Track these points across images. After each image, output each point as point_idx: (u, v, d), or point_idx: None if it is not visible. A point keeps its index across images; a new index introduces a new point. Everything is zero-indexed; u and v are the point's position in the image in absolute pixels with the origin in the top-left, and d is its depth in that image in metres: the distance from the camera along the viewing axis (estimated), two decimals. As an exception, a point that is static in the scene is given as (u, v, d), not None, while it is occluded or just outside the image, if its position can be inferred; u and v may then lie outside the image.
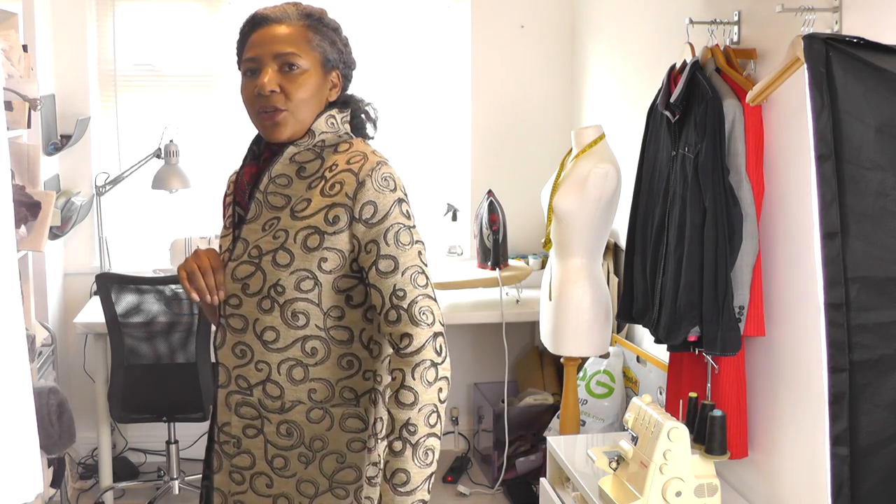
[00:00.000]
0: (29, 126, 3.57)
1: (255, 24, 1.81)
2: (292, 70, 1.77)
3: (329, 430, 1.79)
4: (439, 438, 1.70)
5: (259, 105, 1.77)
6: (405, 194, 1.77)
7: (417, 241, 1.75)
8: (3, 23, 3.55)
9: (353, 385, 1.80)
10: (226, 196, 1.96)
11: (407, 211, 1.75)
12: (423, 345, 1.69)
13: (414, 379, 1.67)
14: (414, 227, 1.76)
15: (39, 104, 3.58)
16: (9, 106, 3.39)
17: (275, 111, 1.76)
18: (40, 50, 3.92)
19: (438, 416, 1.69)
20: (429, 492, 1.69)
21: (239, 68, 1.85)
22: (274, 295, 1.74)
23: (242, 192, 1.86)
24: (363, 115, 1.90)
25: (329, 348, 1.78)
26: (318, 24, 1.81)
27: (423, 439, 1.66)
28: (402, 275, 1.71)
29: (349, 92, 1.90)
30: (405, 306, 1.70)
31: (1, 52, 3.30)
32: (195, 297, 1.80)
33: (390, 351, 1.79)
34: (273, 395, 1.78)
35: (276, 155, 1.82)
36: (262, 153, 1.87)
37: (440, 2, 4.55)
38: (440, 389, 1.69)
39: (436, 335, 1.71)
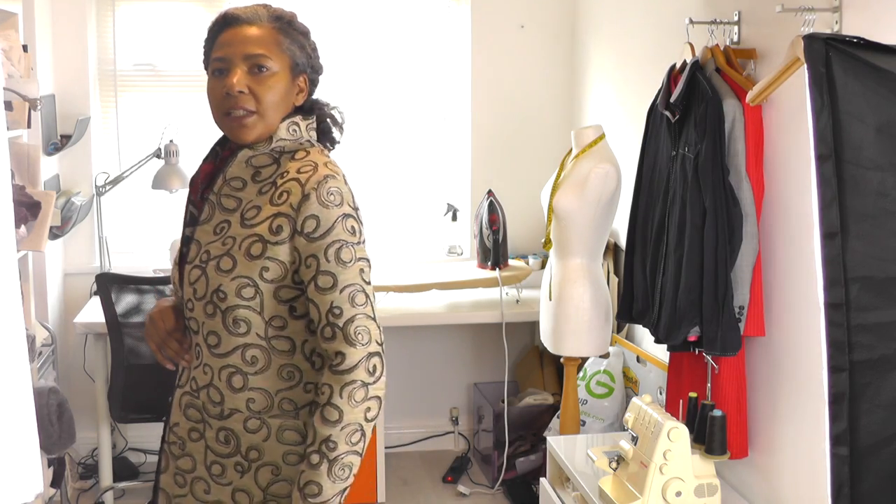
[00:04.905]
0: (29, 126, 3.57)
1: (225, 23, 1.79)
2: (261, 72, 1.75)
3: (266, 440, 1.76)
4: (360, 455, 1.71)
5: (227, 106, 1.75)
6: (354, 209, 1.74)
7: (360, 259, 1.72)
8: (3, 23, 3.55)
9: (293, 397, 1.77)
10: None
11: (353, 227, 1.72)
12: (356, 365, 1.68)
13: (341, 398, 1.67)
14: (359, 243, 1.73)
15: (39, 104, 3.58)
16: (9, 106, 3.39)
17: (245, 114, 1.75)
18: (40, 50, 3.91)
19: (362, 435, 1.69)
20: (341, 503, 1.72)
21: (206, 67, 1.84)
22: (216, 300, 1.73)
23: (196, 192, 1.86)
24: (328, 120, 1.87)
25: (270, 358, 1.75)
26: (287, 27, 1.80)
27: (341, 456, 1.67)
28: (341, 292, 1.69)
29: (315, 97, 1.88)
30: (341, 325, 1.69)
31: (1, 52, 3.30)
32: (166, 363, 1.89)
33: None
34: (214, 401, 1.78)
35: (232, 156, 1.80)
36: (222, 154, 1.86)
37: (440, 2, 4.55)
38: (368, 409, 1.69)
39: (370, 355, 1.70)
